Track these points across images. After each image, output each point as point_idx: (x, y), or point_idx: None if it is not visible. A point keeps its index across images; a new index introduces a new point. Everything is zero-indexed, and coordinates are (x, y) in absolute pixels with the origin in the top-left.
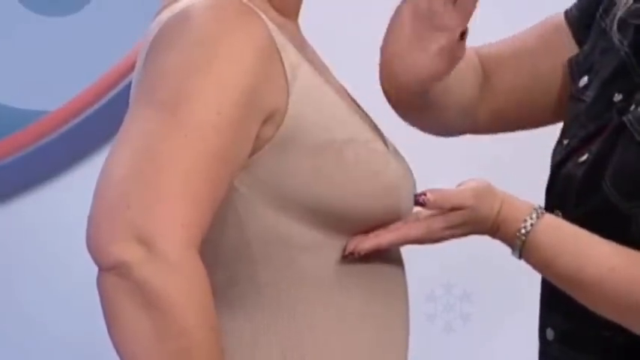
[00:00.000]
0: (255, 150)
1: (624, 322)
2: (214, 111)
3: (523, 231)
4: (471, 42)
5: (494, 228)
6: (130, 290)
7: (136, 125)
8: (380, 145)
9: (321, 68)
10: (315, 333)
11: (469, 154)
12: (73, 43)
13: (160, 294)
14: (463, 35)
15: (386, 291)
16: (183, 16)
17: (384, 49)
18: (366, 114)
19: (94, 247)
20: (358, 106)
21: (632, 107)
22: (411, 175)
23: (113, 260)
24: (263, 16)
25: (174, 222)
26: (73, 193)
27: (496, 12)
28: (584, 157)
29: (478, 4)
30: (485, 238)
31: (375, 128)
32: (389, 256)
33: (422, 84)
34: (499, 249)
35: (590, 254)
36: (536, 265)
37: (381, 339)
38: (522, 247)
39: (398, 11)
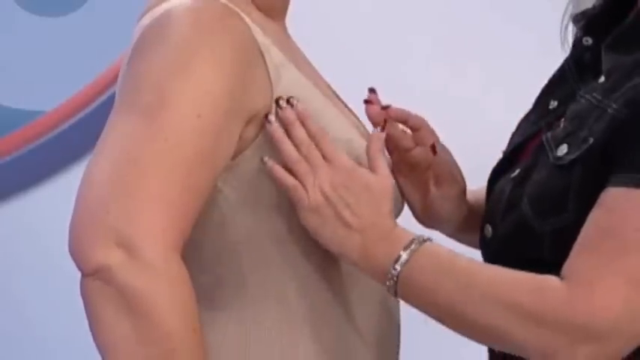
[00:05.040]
0: (238, 151)
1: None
2: (195, 114)
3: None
4: (470, 44)
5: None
6: (111, 295)
7: (116, 130)
8: (365, 144)
9: (306, 68)
10: (304, 329)
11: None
12: (69, 44)
13: (141, 298)
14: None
15: (376, 290)
16: (164, 20)
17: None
18: (353, 113)
19: (75, 252)
20: (345, 105)
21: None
22: None
23: (94, 265)
24: (245, 18)
25: (154, 226)
26: (69, 192)
27: (495, 14)
28: (515, 173)
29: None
30: None
31: (361, 128)
32: None
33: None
34: None
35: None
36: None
37: (371, 333)
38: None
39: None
